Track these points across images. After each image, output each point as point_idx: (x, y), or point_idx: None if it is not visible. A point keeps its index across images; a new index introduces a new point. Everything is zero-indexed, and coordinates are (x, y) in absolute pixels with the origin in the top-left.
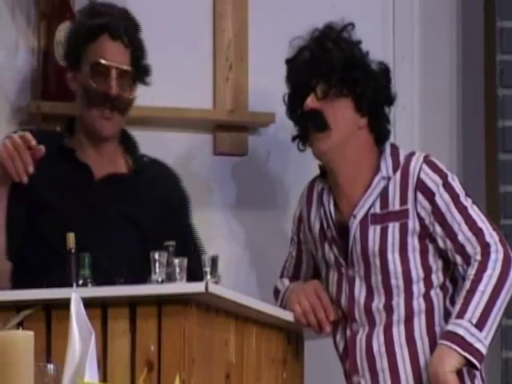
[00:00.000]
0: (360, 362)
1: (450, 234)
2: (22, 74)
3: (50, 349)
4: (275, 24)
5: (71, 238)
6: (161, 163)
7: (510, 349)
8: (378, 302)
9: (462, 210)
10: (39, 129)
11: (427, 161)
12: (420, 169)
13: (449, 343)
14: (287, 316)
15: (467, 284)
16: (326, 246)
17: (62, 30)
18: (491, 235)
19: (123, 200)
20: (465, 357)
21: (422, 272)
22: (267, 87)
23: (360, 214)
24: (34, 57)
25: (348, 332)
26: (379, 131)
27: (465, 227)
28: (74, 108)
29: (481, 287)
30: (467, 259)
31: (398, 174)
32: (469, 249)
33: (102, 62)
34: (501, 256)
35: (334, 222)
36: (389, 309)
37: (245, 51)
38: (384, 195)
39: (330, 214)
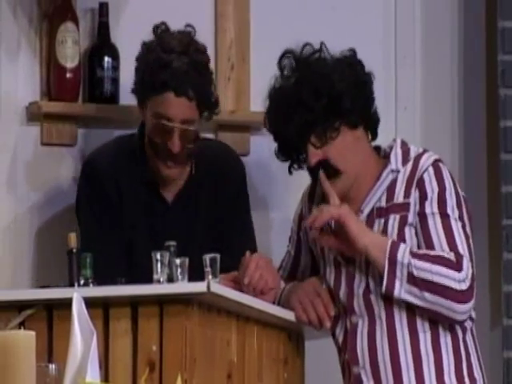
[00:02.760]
0: (361, 353)
1: (428, 241)
2: (24, 73)
3: (52, 349)
4: (276, 24)
5: (72, 237)
6: None
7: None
8: (378, 295)
9: (448, 231)
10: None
11: (435, 165)
12: (426, 169)
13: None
14: (288, 315)
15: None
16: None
17: (64, 30)
18: (467, 262)
19: None
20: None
21: None
22: None
23: (367, 209)
24: (35, 56)
25: (348, 324)
26: (372, 124)
27: (444, 242)
28: (75, 108)
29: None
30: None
31: (409, 165)
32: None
33: (165, 122)
34: (464, 286)
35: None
36: (389, 301)
37: (246, 51)
38: (391, 188)
39: None
